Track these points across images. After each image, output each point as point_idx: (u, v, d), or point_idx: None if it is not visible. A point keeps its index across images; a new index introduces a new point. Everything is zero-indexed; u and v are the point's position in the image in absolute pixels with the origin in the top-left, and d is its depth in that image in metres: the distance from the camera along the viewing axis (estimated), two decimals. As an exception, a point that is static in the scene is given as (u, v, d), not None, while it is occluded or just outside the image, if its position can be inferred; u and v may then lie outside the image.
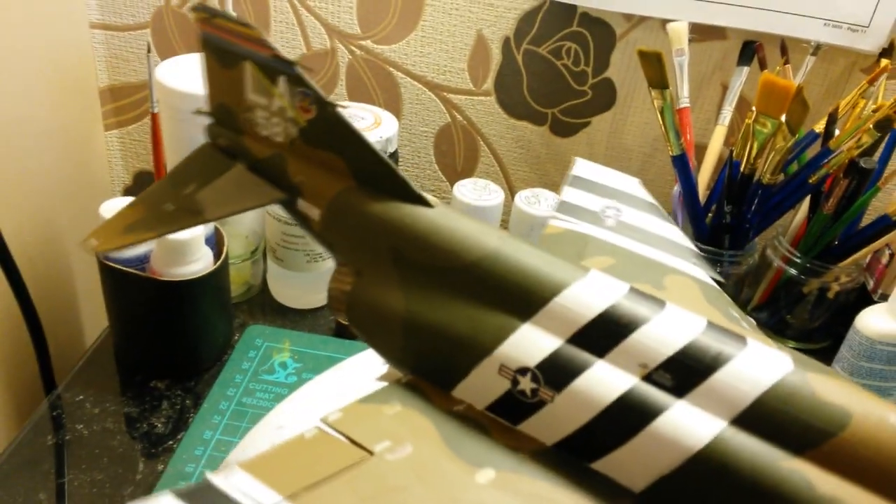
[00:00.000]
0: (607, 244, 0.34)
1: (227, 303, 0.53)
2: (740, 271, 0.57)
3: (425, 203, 0.30)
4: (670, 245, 0.36)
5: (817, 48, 0.53)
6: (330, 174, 0.31)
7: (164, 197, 0.34)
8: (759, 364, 0.23)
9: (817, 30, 0.57)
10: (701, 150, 0.61)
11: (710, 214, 0.56)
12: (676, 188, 0.57)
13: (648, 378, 0.24)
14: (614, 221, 0.37)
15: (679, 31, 0.55)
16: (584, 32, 0.63)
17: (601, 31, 0.62)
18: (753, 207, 0.52)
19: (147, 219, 0.33)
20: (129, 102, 0.71)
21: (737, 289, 0.58)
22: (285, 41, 0.67)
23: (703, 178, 0.57)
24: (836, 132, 0.50)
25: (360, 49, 0.66)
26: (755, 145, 0.48)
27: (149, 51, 0.43)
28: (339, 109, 0.30)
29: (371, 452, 0.24)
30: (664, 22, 0.59)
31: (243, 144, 0.33)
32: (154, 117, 0.44)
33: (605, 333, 0.25)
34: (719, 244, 0.55)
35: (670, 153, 0.52)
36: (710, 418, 0.23)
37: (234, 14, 0.31)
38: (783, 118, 0.45)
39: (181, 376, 0.51)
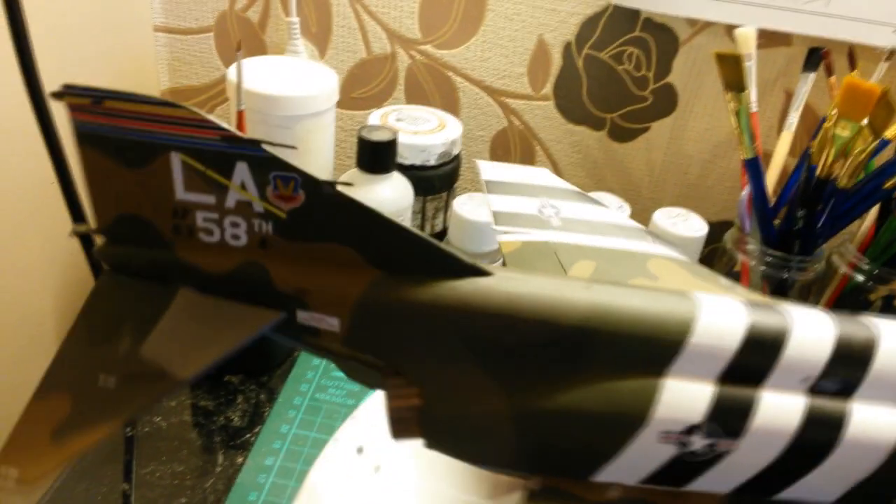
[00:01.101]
0: (574, 247, 0.31)
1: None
2: (807, 278, 0.56)
3: (482, 272, 0.25)
4: (622, 230, 0.33)
5: (892, 53, 0.53)
6: (341, 270, 0.25)
7: (89, 367, 0.25)
8: None
9: (887, 36, 0.57)
10: (764, 156, 0.60)
11: (777, 220, 0.56)
12: (744, 193, 0.57)
13: (815, 390, 0.23)
14: (558, 220, 0.33)
15: (747, 36, 0.55)
16: (647, 38, 0.63)
17: (664, 37, 0.63)
18: (826, 213, 0.52)
19: (81, 412, 0.24)
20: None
21: (802, 296, 0.58)
22: (346, 46, 0.67)
23: (769, 185, 0.57)
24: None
25: (420, 54, 0.67)
26: (833, 150, 0.48)
27: (238, 48, 0.44)
28: (341, 188, 0.24)
29: None
30: (728, 27, 0.59)
31: (178, 260, 0.26)
32: (240, 115, 0.44)
33: (755, 359, 0.23)
34: (788, 250, 0.55)
35: (742, 157, 0.52)
36: (889, 409, 0.22)
37: (128, 92, 0.24)
38: (864, 122, 0.45)
39: (254, 372, 0.51)
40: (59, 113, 0.28)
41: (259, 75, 0.55)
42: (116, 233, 0.26)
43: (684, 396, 0.23)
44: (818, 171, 0.49)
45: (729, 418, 0.22)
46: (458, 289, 0.25)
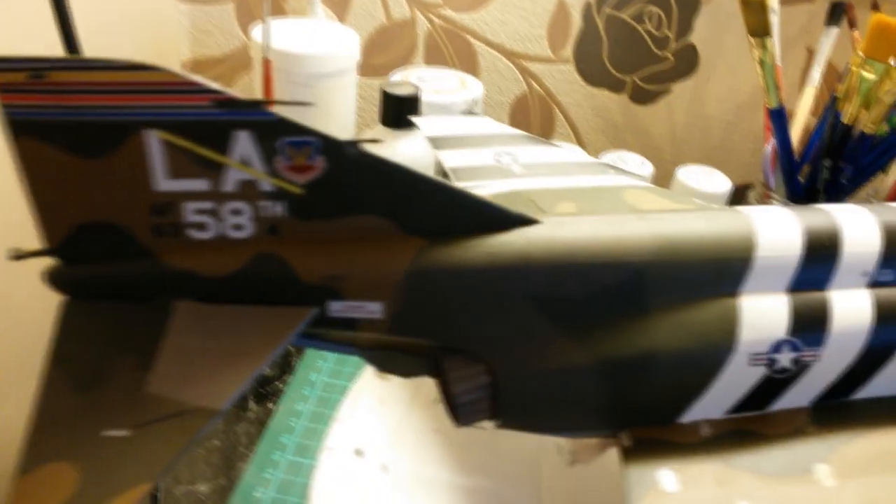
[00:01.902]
0: (547, 191, 0.29)
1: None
2: (833, 230, 0.56)
3: (530, 221, 0.23)
4: (584, 167, 0.31)
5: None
6: (376, 246, 0.22)
7: (86, 423, 0.19)
8: None
9: (910, -12, 0.56)
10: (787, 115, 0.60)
11: (801, 177, 0.55)
12: (768, 148, 0.57)
13: (875, 283, 0.23)
14: (518, 167, 0.31)
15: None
16: (668, -3, 0.63)
17: (685, -4, 0.62)
18: (850, 161, 0.51)
19: (96, 481, 0.19)
20: (211, 76, 0.73)
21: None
22: (366, 12, 0.68)
23: (793, 140, 0.57)
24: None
25: (439, 17, 0.67)
26: (859, 94, 0.47)
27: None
28: (367, 146, 0.21)
29: None
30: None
31: (165, 268, 0.21)
32: (267, 64, 0.44)
33: (819, 262, 0.23)
34: (814, 203, 0.54)
35: (767, 106, 0.52)
36: None
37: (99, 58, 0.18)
38: (892, 62, 0.45)
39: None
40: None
41: (281, 36, 0.55)
42: (75, 249, 0.21)
43: (765, 313, 0.22)
44: (844, 118, 0.49)
45: (810, 326, 0.22)
46: (512, 243, 0.22)
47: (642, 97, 0.67)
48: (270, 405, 0.45)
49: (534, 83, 0.68)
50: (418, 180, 0.21)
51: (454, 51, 0.68)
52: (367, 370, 0.34)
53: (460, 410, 0.23)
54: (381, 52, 0.70)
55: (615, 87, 0.67)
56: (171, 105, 0.19)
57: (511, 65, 0.68)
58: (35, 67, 0.19)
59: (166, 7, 0.68)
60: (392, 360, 0.24)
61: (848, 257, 0.23)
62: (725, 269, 0.22)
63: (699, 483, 0.21)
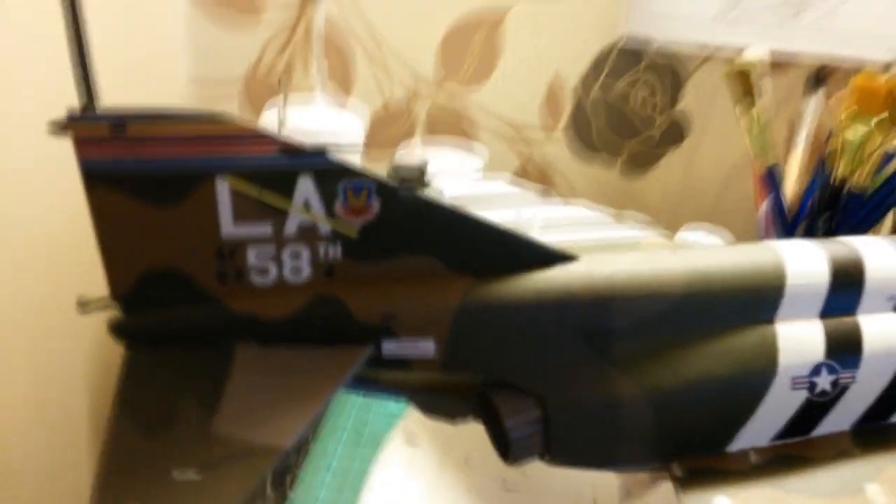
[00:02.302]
0: (572, 243, 0.28)
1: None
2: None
3: (568, 257, 0.24)
4: (600, 222, 0.32)
5: (889, 66, 0.56)
6: (426, 285, 0.22)
7: (155, 465, 0.20)
8: None
9: (888, 49, 0.60)
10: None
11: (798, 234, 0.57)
12: (763, 208, 0.59)
13: None
14: (540, 223, 0.31)
15: (759, 56, 0.57)
16: (656, 69, 0.66)
17: (671, 68, 0.66)
18: (843, 219, 0.53)
19: None
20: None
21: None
22: (368, 91, 0.70)
23: (787, 201, 0.59)
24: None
25: (440, 95, 0.70)
26: (846, 153, 0.50)
27: (280, 83, 0.45)
28: (418, 191, 0.22)
29: None
30: (731, 60, 0.62)
31: (228, 313, 0.22)
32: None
33: (846, 289, 0.24)
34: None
35: (763, 166, 0.54)
36: None
37: (172, 109, 0.20)
38: (874, 121, 0.47)
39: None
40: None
41: (288, 118, 0.57)
42: (139, 298, 0.21)
43: (801, 338, 0.23)
44: (835, 174, 0.51)
45: (845, 349, 0.23)
46: (555, 278, 0.23)
47: (635, 166, 0.70)
48: (290, 493, 0.44)
49: (530, 154, 0.71)
50: (465, 221, 0.22)
51: (455, 123, 0.71)
52: (393, 438, 0.34)
53: (513, 446, 0.23)
54: (385, 128, 0.72)
55: (609, 156, 0.70)
56: (241, 153, 0.20)
57: (508, 137, 0.70)
58: (118, 120, 0.19)
59: (174, 91, 0.71)
60: (439, 402, 0.25)
61: (872, 283, 0.24)
62: (760, 298, 0.23)
63: None
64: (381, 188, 0.21)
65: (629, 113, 0.67)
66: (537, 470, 0.32)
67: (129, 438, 0.20)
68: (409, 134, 0.72)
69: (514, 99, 0.69)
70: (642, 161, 0.69)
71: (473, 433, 0.34)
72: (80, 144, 0.20)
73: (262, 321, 0.22)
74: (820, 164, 0.53)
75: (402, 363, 0.23)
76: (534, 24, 0.65)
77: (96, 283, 0.22)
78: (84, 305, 0.22)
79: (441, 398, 0.24)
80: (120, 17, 0.56)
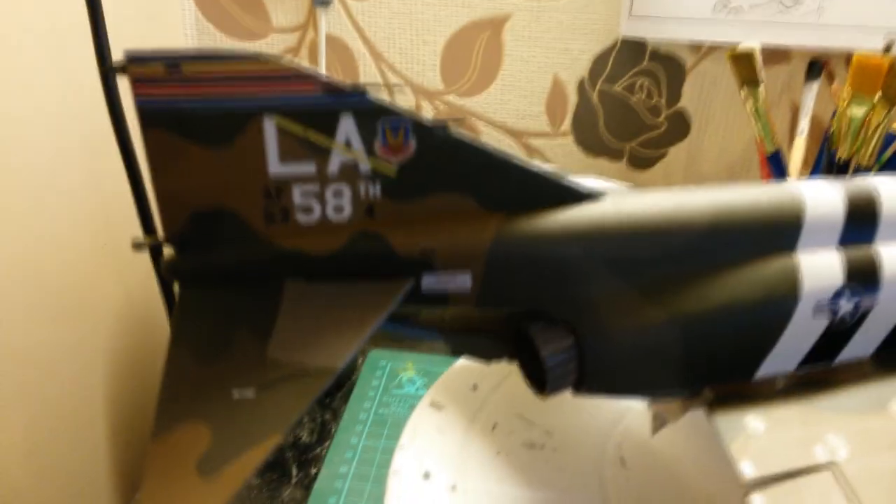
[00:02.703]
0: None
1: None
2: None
3: (596, 196, 0.25)
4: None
5: (890, 45, 0.57)
6: (462, 221, 0.23)
7: (213, 387, 0.21)
8: None
9: (879, 40, 0.61)
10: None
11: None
12: (769, 192, 0.59)
13: None
14: None
15: (756, 53, 0.59)
16: (655, 68, 0.67)
17: (671, 65, 0.67)
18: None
19: (228, 436, 0.20)
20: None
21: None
22: (374, 102, 0.72)
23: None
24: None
25: (444, 103, 0.71)
26: (849, 131, 0.51)
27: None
28: (453, 128, 0.23)
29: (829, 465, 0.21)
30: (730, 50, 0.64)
31: (275, 251, 0.23)
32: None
33: (862, 220, 0.25)
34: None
35: (765, 153, 0.55)
36: None
37: (229, 49, 0.20)
38: (877, 97, 0.48)
39: (316, 394, 0.51)
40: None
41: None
42: (191, 237, 0.22)
43: (821, 265, 0.24)
44: (839, 154, 0.52)
45: (863, 274, 0.24)
46: (584, 213, 0.24)
47: (640, 163, 0.71)
48: (313, 470, 0.45)
49: (537, 156, 0.72)
50: (498, 159, 0.23)
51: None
52: (420, 405, 0.35)
53: (549, 375, 0.24)
54: (389, 139, 0.73)
55: (614, 155, 0.71)
56: (285, 92, 0.21)
57: (514, 141, 0.71)
58: (172, 59, 0.20)
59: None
60: (474, 342, 0.26)
61: (887, 213, 0.25)
62: (780, 229, 0.24)
63: (786, 424, 0.22)
64: (418, 127, 0.22)
65: (631, 113, 0.68)
66: (562, 430, 0.33)
67: (188, 367, 0.22)
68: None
69: (515, 106, 0.70)
70: (647, 157, 0.70)
71: (499, 403, 0.35)
72: (137, 84, 0.21)
73: (308, 257, 0.23)
74: (824, 143, 0.54)
75: (440, 298, 0.24)
76: (530, 33, 0.67)
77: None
78: (139, 245, 0.23)
79: (476, 337, 0.26)
80: (133, 31, 0.58)
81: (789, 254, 0.24)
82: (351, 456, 0.46)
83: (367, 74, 0.71)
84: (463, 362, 0.37)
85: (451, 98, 0.71)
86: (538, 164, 0.25)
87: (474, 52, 0.69)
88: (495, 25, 0.67)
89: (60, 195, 0.47)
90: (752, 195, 0.25)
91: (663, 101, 0.68)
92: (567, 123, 0.70)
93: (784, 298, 0.24)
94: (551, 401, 0.34)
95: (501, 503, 0.29)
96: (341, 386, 0.53)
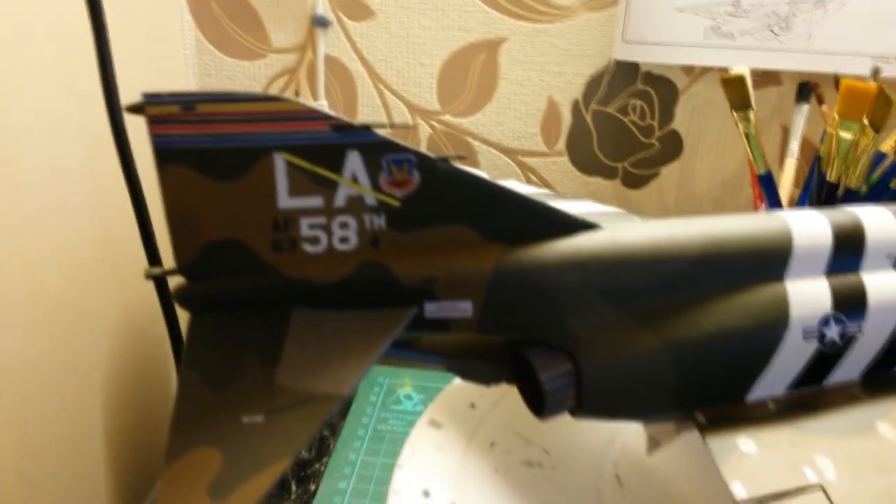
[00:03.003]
0: None
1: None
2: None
3: (592, 226, 0.26)
4: (610, 213, 0.33)
5: (876, 72, 0.59)
6: (464, 251, 0.24)
7: (224, 412, 0.22)
8: None
9: (865, 65, 0.62)
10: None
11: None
12: (761, 212, 0.60)
13: None
14: None
15: (746, 77, 0.60)
16: (648, 89, 0.68)
17: (664, 87, 0.68)
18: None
19: (237, 459, 0.21)
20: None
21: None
22: (371, 121, 0.73)
23: (784, 205, 0.61)
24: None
25: (440, 123, 0.72)
26: (838, 154, 0.52)
27: (297, 94, 0.48)
28: (455, 163, 0.24)
29: (818, 486, 0.22)
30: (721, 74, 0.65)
31: (283, 280, 0.24)
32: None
33: (849, 251, 0.26)
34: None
35: (754, 173, 0.56)
36: None
37: (255, 91, 0.23)
38: (865, 121, 0.50)
39: (314, 411, 0.52)
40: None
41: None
42: (202, 267, 0.24)
43: (810, 293, 0.25)
44: (829, 176, 0.53)
45: (850, 303, 0.25)
46: (581, 245, 0.25)
47: (633, 182, 0.72)
48: (312, 487, 0.45)
49: (532, 176, 0.73)
50: (497, 191, 0.24)
51: (455, 151, 0.73)
52: (419, 423, 0.35)
53: (548, 399, 0.25)
54: (386, 158, 0.74)
55: (607, 174, 0.72)
56: (296, 130, 0.22)
57: (510, 160, 0.73)
58: (187, 101, 0.22)
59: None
60: (475, 366, 0.27)
61: (872, 243, 0.26)
62: (769, 258, 0.25)
63: (776, 445, 0.23)
64: (422, 161, 0.23)
65: (624, 133, 0.70)
66: (560, 449, 0.34)
67: (199, 393, 0.22)
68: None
69: (510, 126, 0.71)
70: (640, 176, 0.71)
71: (497, 421, 0.36)
72: (154, 123, 0.22)
73: (314, 286, 0.24)
74: (814, 164, 0.55)
75: (442, 324, 0.25)
76: (525, 56, 0.68)
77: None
78: (151, 276, 0.25)
79: (476, 361, 0.27)
80: (133, 51, 0.59)
81: (778, 282, 0.25)
82: (349, 472, 0.46)
83: (365, 95, 0.72)
84: (461, 380, 0.37)
85: (448, 118, 0.72)
86: (537, 196, 0.26)
87: (470, 73, 0.70)
88: (491, 48, 0.68)
89: (61, 212, 0.48)
90: (742, 225, 0.26)
91: (656, 121, 0.70)
92: (562, 143, 0.71)
93: (774, 325, 0.25)
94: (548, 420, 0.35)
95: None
96: (339, 403, 0.53)
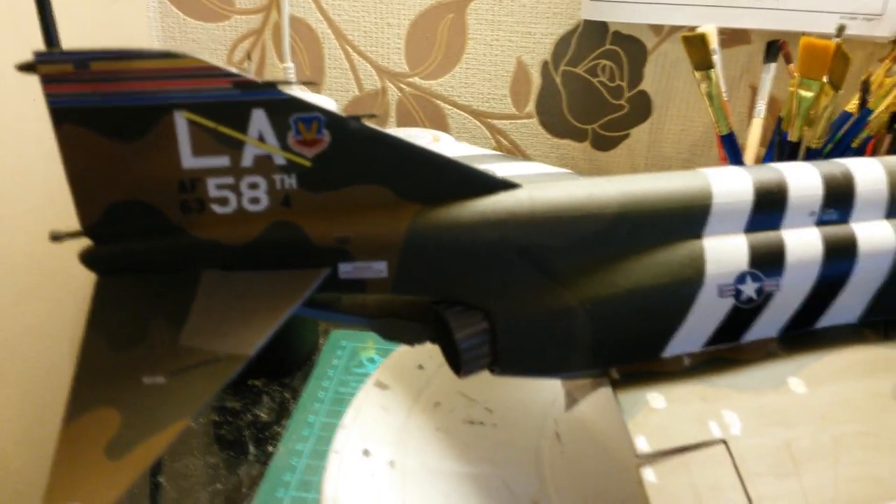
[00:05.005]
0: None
1: (312, 307, 0.56)
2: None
3: (512, 185, 0.26)
4: (556, 174, 0.32)
5: (841, 30, 0.58)
6: (378, 211, 0.24)
7: (125, 373, 0.21)
8: (864, 165, 0.26)
9: (834, 23, 0.62)
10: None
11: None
12: (725, 173, 0.60)
13: (821, 222, 0.26)
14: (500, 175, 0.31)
15: (708, 33, 0.59)
16: (617, 49, 0.68)
17: (633, 47, 0.67)
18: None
19: (136, 420, 0.21)
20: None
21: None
22: (339, 85, 0.72)
23: (748, 164, 0.61)
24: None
25: (409, 86, 0.72)
26: (800, 112, 0.52)
27: (248, 58, 0.47)
28: (366, 122, 0.23)
29: (721, 441, 0.22)
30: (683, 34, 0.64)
31: (192, 241, 0.23)
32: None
33: (769, 207, 0.25)
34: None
35: (717, 133, 0.56)
36: (880, 223, 0.26)
37: (144, 48, 0.21)
38: (825, 79, 0.49)
39: (276, 374, 0.52)
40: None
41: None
42: (108, 228, 0.23)
43: (726, 250, 0.25)
44: (790, 136, 0.53)
45: (768, 259, 0.25)
46: (499, 203, 0.24)
47: (603, 144, 0.71)
48: (270, 448, 0.46)
49: (501, 138, 0.72)
50: (412, 151, 0.24)
51: (424, 115, 0.72)
52: (365, 385, 0.36)
53: (464, 357, 0.25)
54: (355, 121, 0.73)
55: (577, 136, 0.71)
56: (197, 88, 0.21)
57: (479, 123, 0.72)
58: (81, 58, 0.21)
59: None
60: (397, 327, 0.27)
61: (794, 200, 0.26)
62: (687, 216, 0.25)
63: (685, 400, 0.23)
64: (332, 120, 0.23)
65: (594, 95, 0.69)
66: (503, 407, 0.34)
67: (102, 355, 0.22)
68: (379, 125, 0.73)
69: (480, 88, 0.70)
70: (610, 138, 0.71)
71: (443, 382, 0.36)
72: (47, 83, 0.21)
73: (225, 247, 0.24)
74: (777, 125, 0.55)
75: (358, 285, 0.24)
76: (494, 16, 0.67)
77: (70, 256, 0.24)
78: (57, 237, 0.23)
79: (399, 322, 0.27)
80: (94, 14, 0.58)
81: (696, 239, 0.25)
82: (308, 434, 0.46)
83: (332, 57, 0.71)
84: (411, 343, 0.38)
85: (417, 80, 0.71)
86: (454, 157, 0.25)
87: (439, 33, 0.69)
88: (459, 7, 0.68)
89: (24, 180, 0.47)
90: (661, 184, 0.26)
91: (625, 82, 0.69)
92: (531, 105, 0.71)
93: (689, 282, 0.25)
94: (494, 379, 0.35)
95: (438, 478, 0.30)
96: (301, 365, 0.54)
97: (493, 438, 0.32)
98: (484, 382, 0.35)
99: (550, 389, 0.34)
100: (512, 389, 0.34)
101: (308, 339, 0.55)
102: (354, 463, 0.31)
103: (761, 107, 0.63)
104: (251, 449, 0.46)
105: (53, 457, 0.20)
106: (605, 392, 0.26)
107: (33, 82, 0.22)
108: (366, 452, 0.31)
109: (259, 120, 0.22)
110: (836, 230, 0.26)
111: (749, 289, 0.25)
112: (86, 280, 0.24)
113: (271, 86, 0.22)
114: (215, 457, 0.45)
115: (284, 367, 0.53)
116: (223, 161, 0.23)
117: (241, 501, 0.42)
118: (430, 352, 0.37)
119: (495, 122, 0.72)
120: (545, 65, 0.69)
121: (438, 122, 0.72)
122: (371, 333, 0.56)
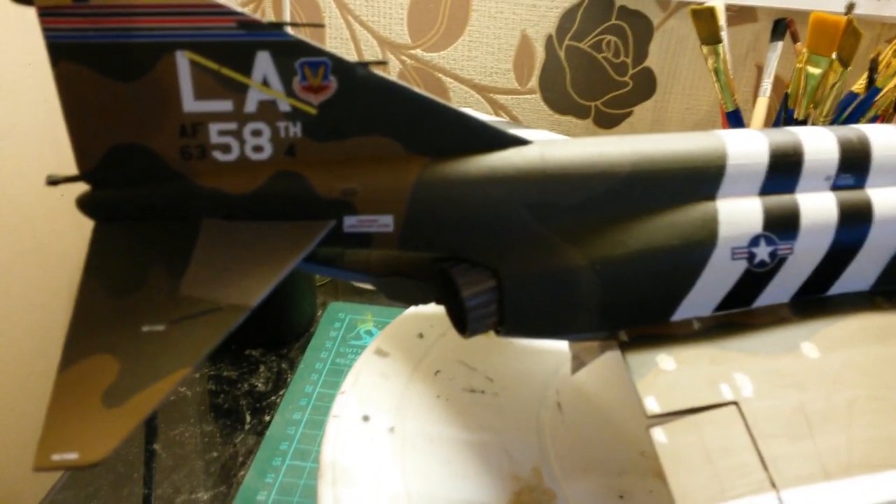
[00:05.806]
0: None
1: (311, 279, 0.55)
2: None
3: (522, 141, 0.25)
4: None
5: (850, 8, 0.57)
6: (385, 163, 0.23)
7: (124, 321, 0.21)
8: (881, 130, 0.25)
9: (842, 3, 0.61)
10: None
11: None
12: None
13: (836, 187, 0.25)
14: None
15: (716, 9, 0.58)
16: (623, 25, 0.67)
17: (638, 23, 0.67)
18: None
19: (134, 368, 0.20)
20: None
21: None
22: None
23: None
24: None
25: (411, 58, 0.71)
26: (807, 90, 0.51)
27: None
28: (374, 69, 0.22)
29: (732, 402, 0.22)
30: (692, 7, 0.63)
31: (193, 189, 0.23)
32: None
33: (784, 170, 0.25)
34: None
35: (724, 110, 0.55)
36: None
37: None
38: (834, 55, 0.49)
39: (274, 345, 0.52)
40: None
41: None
42: (107, 173, 0.22)
43: (740, 212, 0.24)
44: (796, 114, 0.52)
45: (782, 223, 0.24)
46: (508, 158, 0.24)
47: (606, 121, 0.71)
48: (267, 417, 0.45)
49: (503, 114, 0.72)
50: (422, 101, 0.23)
51: (426, 88, 0.71)
52: (365, 352, 0.35)
53: (470, 316, 0.24)
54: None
55: (580, 113, 0.71)
56: (200, 26, 0.21)
57: (481, 98, 0.71)
58: None
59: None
60: (402, 286, 0.26)
61: (810, 164, 0.25)
62: (701, 177, 0.25)
63: (696, 362, 0.23)
64: (338, 65, 0.22)
65: (598, 71, 0.68)
66: (504, 376, 0.34)
67: (99, 301, 0.21)
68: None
69: (483, 62, 0.70)
70: (613, 115, 0.70)
71: (443, 350, 0.35)
72: (44, 16, 0.20)
73: (226, 196, 0.23)
74: (783, 102, 0.55)
75: (363, 239, 0.24)
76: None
77: (64, 220, 0.23)
78: (54, 181, 0.22)
79: (404, 280, 0.26)
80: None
81: (710, 200, 0.25)
82: (305, 403, 0.46)
83: (333, 27, 0.70)
84: (412, 311, 0.37)
85: (419, 52, 0.70)
86: (465, 110, 0.25)
87: (442, 4, 0.68)
88: (462, -21, 0.67)
89: (16, 143, 0.46)
90: (675, 144, 0.25)
91: (630, 59, 0.68)
92: (534, 81, 0.70)
93: (701, 244, 0.24)
94: (495, 348, 0.35)
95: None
96: (299, 336, 0.53)
97: (494, 407, 0.32)
98: (484, 352, 0.35)
99: (552, 360, 0.34)
100: (512, 360, 0.34)
101: (306, 310, 0.55)
102: (354, 428, 0.30)
103: (767, 85, 0.62)
104: (247, 418, 0.45)
105: (48, 405, 0.20)
106: (608, 362, 0.25)
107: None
108: (365, 418, 0.31)
109: (264, 63, 0.21)
110: (851, 195, 0.25)
111: (762, 252, 0.24)
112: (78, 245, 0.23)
113: (277, 27, 0.21)
114: (211, 425, 0.45)
115: (282, 338, 0.52)
116: (226, 105, 0.22)
117: (238, 469, 0.42)
118: (430, 321, 0.37)
119: (497, 96, 0.71)
120: (549, 39, 0.68)
121: (440, 96, 0.71)
122: (369, 306, 0.56)
